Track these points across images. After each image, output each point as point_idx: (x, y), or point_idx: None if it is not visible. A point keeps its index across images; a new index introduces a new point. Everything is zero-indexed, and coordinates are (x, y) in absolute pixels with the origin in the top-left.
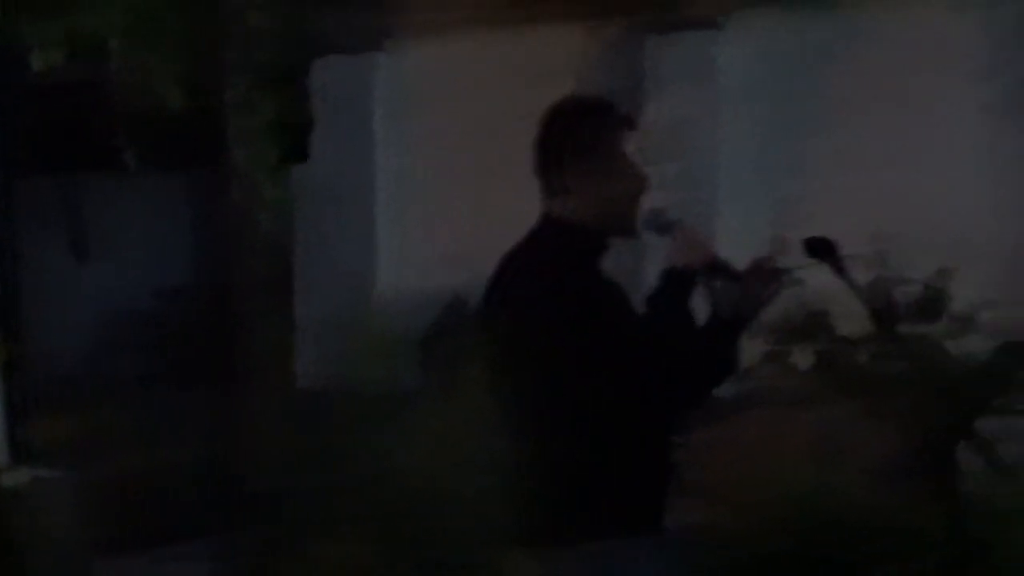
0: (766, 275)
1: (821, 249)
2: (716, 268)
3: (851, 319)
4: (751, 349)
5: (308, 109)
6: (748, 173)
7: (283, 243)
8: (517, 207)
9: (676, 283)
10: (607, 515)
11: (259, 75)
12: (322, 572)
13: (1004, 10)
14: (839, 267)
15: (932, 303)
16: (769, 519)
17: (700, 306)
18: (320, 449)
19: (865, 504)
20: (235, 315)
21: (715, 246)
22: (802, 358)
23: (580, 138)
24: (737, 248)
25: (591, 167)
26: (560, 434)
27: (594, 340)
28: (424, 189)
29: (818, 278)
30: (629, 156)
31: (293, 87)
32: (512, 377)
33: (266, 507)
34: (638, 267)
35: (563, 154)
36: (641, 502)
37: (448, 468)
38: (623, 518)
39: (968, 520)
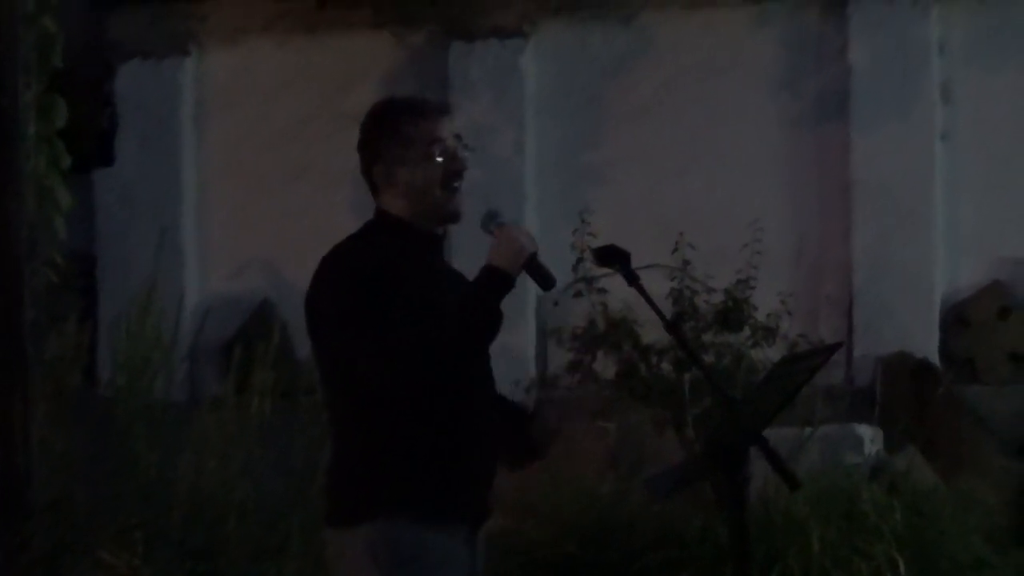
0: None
1: (612, 258)
2: (531, 268)
3: (657, 327)
4: (556, 357)
5: (112, 113)
6: (553, 181)
7: (84, 249)
8: (323, 211)
9: (493, 280)
10: (404, 499)
11: (56, 80)
12: None
13: (803, 24)
14: (630, 276)
15: (734, 312)
16: (563, 526)
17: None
18: (112, 456)
19: (656, 511)
20: (28, 323)
21: (535, 246)
22: (605, 366)
23: (385, 131)
24: (542, 256)
25: (396, 158)
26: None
27: (399, 327)
28: (231, 193)
29: (624, 287)
30: (437, 144)
31: (93, 92)
32: (320, 359)
33: (56, 515)
34: None
35: (374, 149)
36: (442, 490)
37: (235, 475)
38: (422, 504)
39: (755, 528)
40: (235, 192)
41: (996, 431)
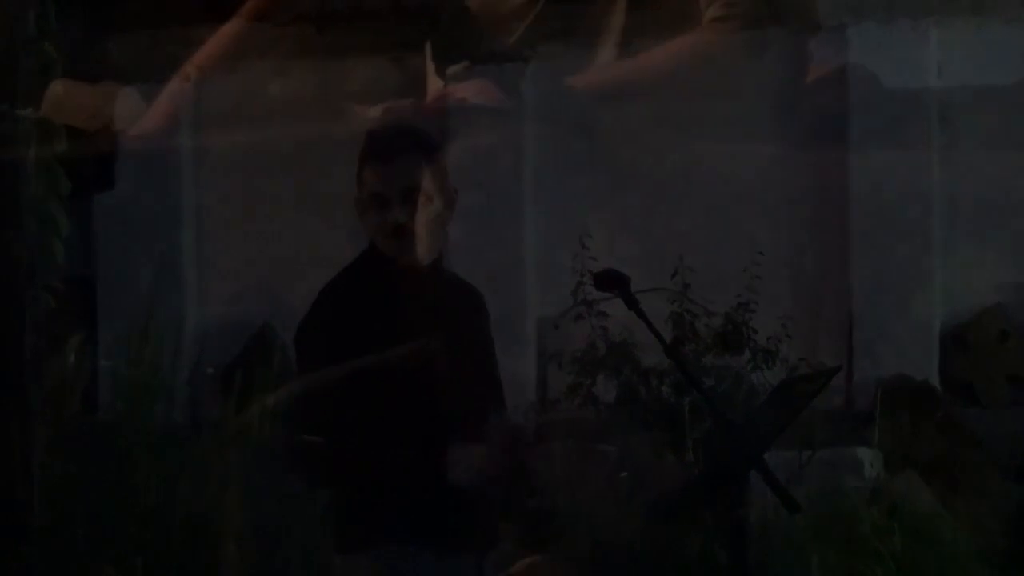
0: (509, 443)
1: (612, 282)
2: None
3: (657, 351)
4: (556, 381)
5: (112, 138)
6: (552, 205)
7: (83, 274)
8: (323, 235)
9: None
10: (396, 523)
11: None
12: None
13: (797, 47)
14: (630, 300)
15: (734, 336)
16: (560, 550)
17: None
18: (112, 481)
19: (656, 534)
20: (27, 349)
21: None
22: (605, 390)
23: (357, 168)
24: (542, 280)
25: (356, 199)
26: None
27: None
28: (230, 218)
29: (624, 310)
30: (375, 198)
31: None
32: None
33: (55, 539)
34: None
35: (360, 184)
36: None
37: (235, 499)
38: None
39: (755, 552)
40: (234, 216)
41: (996, 454)
